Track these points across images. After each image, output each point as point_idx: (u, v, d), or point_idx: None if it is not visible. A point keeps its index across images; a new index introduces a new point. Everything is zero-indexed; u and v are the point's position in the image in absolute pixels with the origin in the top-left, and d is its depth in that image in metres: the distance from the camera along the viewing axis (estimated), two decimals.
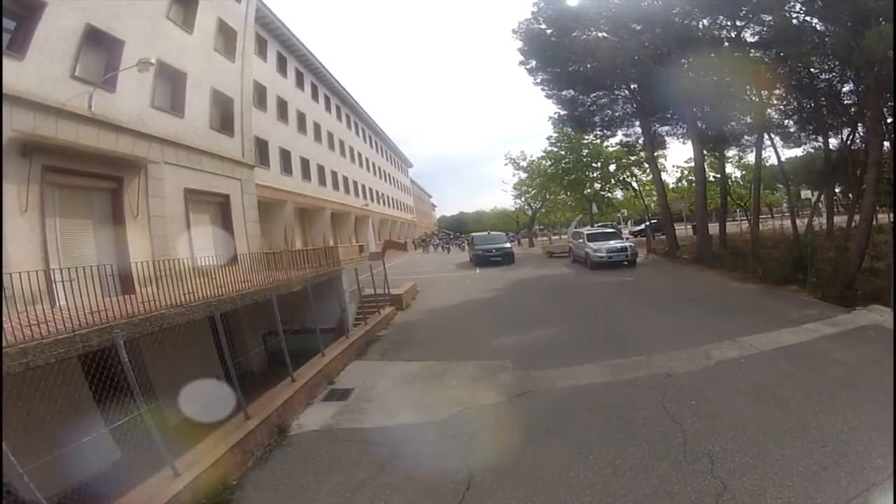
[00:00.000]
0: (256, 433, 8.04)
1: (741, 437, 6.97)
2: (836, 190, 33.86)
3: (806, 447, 6.53)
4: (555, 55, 30.48)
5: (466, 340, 14.59)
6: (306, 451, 8.12)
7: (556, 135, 49.25)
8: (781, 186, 38.89)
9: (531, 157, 58.68)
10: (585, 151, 48.80)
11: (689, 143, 33.63)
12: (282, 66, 35.38)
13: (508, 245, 41.70)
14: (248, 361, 12.62)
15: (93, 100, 13.00)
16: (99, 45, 13.93)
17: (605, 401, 9.00)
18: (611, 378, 10.13)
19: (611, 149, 46.48)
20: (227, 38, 20.80)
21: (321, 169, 40.72)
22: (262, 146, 28.20)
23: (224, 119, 20.04)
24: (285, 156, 33.46)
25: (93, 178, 13.36)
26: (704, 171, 34.43)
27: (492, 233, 48.63)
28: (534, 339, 14.03)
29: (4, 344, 5.86)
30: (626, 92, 33.57)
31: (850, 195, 27.43)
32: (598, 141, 44.90)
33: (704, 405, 8.25)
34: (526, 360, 11.89)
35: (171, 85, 16.96)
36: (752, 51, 24.48)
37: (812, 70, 23.71)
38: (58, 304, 9.01)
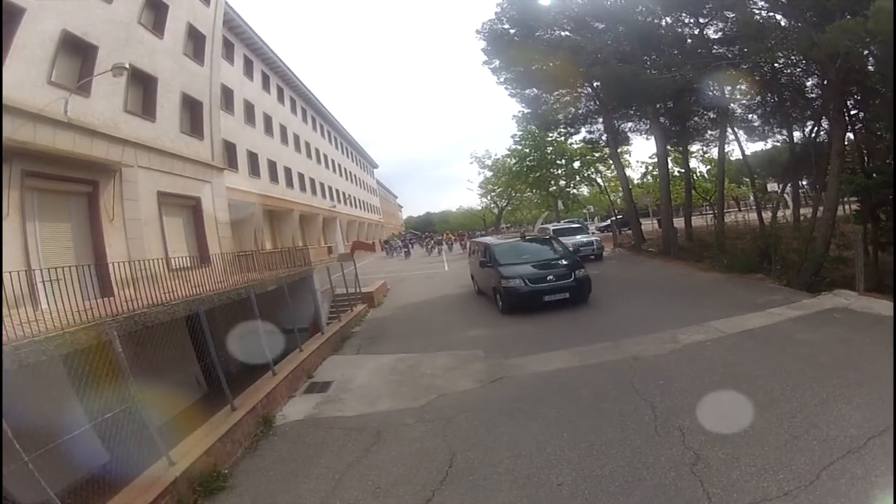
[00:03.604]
0: (243, 424, 8.22)
1: (711, 412, 7.16)
2: (804, 182, 34.45)
3: (776, 419, 6.75)
4: (518, 54, 30.58)
5: (439, 333, 14.94)
6: (293, 439, 8.33)
7: (520, 133, 49.47)
8: (748, 180, 39.31)
9: (496, 155, 59.24)
10: (550, 149, 49.16)
11: (653, 139, 33.97)
12: (248, 70, 35.34)
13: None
14: (226, 362, 12.66)
15: (68, 105, 13.02)
16: (74, 50, 14.02)
17: (576, 383, 9.28)
18: (580, 363, 10.41)
19: (575, 146, 46.77)
20: (196, 42, 20.89)
21: (288, 171, 40.68)
22: (230, 149, 28.18)
23: (194, 122, 20.13)
24: (253, 158, 33.42)
25: (70, 182, 13.45)
26: (668, 165, 34.95)
27: (528, 234, 27.75)
28: (503, 330, 14.38)
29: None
30: (589, 90, 33.70)
31: (816, 186, 27.68)
32: (563, 138, 44.91)
33: (673, 384, 8.52)
34: (498, 350, 12.21)
35: (142, 89, 17.07)
36: (715, 47, 24.74)
37: (776, 65, 24.02)
38: (40, 307, 9.05)
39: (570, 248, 28.99)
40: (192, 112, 20.24)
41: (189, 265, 14.03)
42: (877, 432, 6.00)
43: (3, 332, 6.06)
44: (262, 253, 20.63)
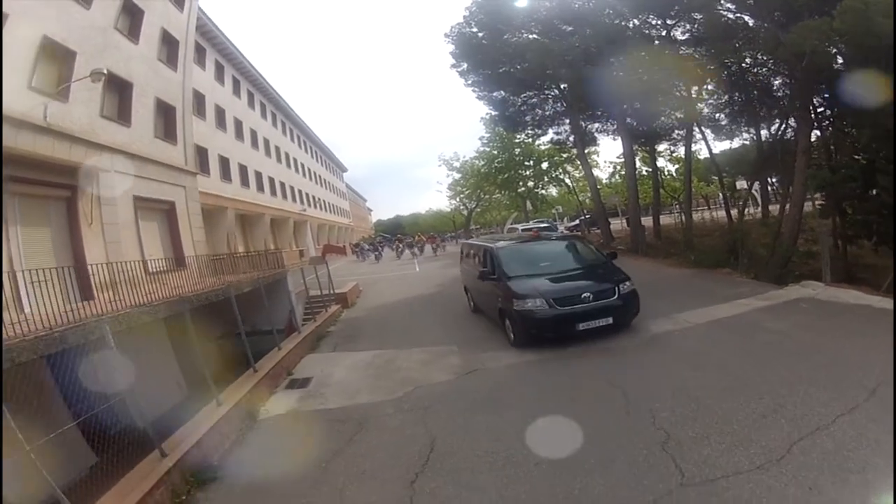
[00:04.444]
0: (229, 418, 8.41)
1: (680, 396, 7.45)
2: (773, 180, 35.00)
3: (744, 400, 6.97)
4: (486, 58, 30.78)
5: (413, 331, 15.08)
6: (278, 431, 8.58)
7: (488, 135, 49.96)
8: (717, 178, 39.95)
9: (464, 157, 59.47)
10: (518, 150, 49.77)
11: (620, 139, 34.15)
12: (220, 74, 35.26)
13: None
14: (206, 362, 12.75)
15: (48, 110, 13.07)
16: (54, 56, 14.06)
17: (549, 374, 9.62)
18: (552, 356, 10.65)
19: (543, 147, 47.06)
20: (169, 47, 20.90)
21: (259, 175, 40.55)
22: (202, 154, 28.07)
23: (167, 127, 20.16)
24: (224, 163, 33.30)
25: (49, 187, 13.53)
26: (635, 165, 35.33)
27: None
28: (475, 327, 14.44)
29: None
30: (557, 91, 33.95)
31: (784, 183, 28.02)
32: (530, 140, 45.28)
33: (642, 371, 8.88)
34: (472, 345, 12.40)
35: (118, 94, 17.11)
36: (682, 48, 24.95)
37: (744, 65, 24.27)
38: (24, 310, 9.10)
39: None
40: (166, 117, 20.24)
41: (165, 268, 14.15)
42: (845, 410, 6.27)
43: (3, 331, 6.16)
44: (237, 256, 20.74)
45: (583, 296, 10.75)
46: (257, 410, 9.46)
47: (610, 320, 10.72)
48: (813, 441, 5.69)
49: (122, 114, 17.14)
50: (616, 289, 11.04)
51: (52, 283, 8.41)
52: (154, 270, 13.08)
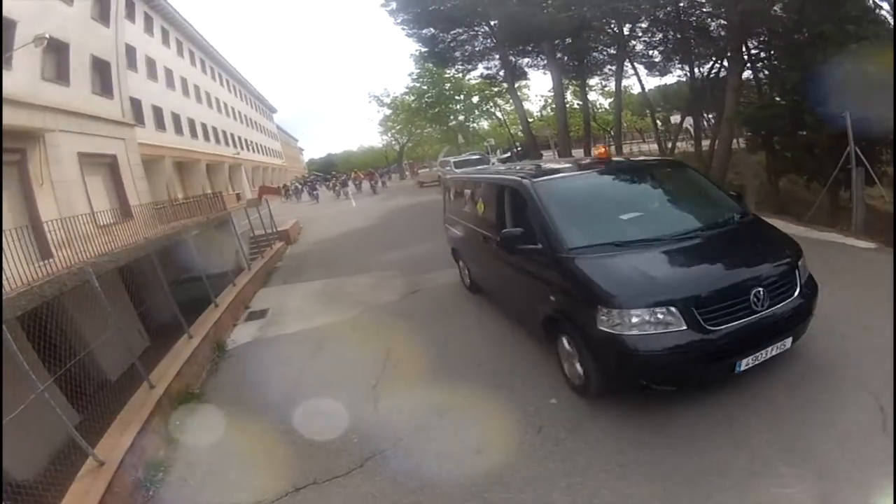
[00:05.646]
0: (202, 349, 8.85)
1: None
2: (710, 116, 35.96)
3: None
4: None
5: (356, 261, 15.51)
6: (247, 357, 9.05)
7: (417, 71, 49.19)
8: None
9: (394, 93, 58.33)
10: (448, 85, 49.54)
11: (550, 74, 34.30)
12: (149, 26, 33.97)
13: None
14: (159, 312, 12.88)
15: None
16: None
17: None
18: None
19: (473, 82, 47.06)
20: (102, 4, 20.24)
21: (192, 122, 39.59)
22: (136, 105, 27.22)
23: (104, 83, 19.77)
24: (158, 112, 32.58)
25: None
26: (564, 98, 35.88)
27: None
28: (415, 252, 14.99)
29: None
30: (487, 28, 33.78)
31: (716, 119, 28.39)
32: (460, 75, 44.99)
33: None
34: (411, 269, 12.96)
35: (56, 56, 16.74)
36: None
37: (681, 5, 24.54)
38: None
39: None
40: (102, 73, 19.82)
41: (114, 220, 14.32)
42: None
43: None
44: (181, 202, 20.79)
45: (752, 294, 4.77)
46: (224, 341, 9.88)
47: (788, 343, 5.00)
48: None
49: (61, 74, 16.83)
50: (796, 273, 5.17)
51: (13, 244, 8.61)
52: (104, 223, 13.24)
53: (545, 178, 6.61)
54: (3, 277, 7.81)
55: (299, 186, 53.63)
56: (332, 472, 5.03)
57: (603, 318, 4.71)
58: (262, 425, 6.23)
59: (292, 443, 5.71)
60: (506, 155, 53.45)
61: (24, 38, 13.87)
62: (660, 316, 4.59)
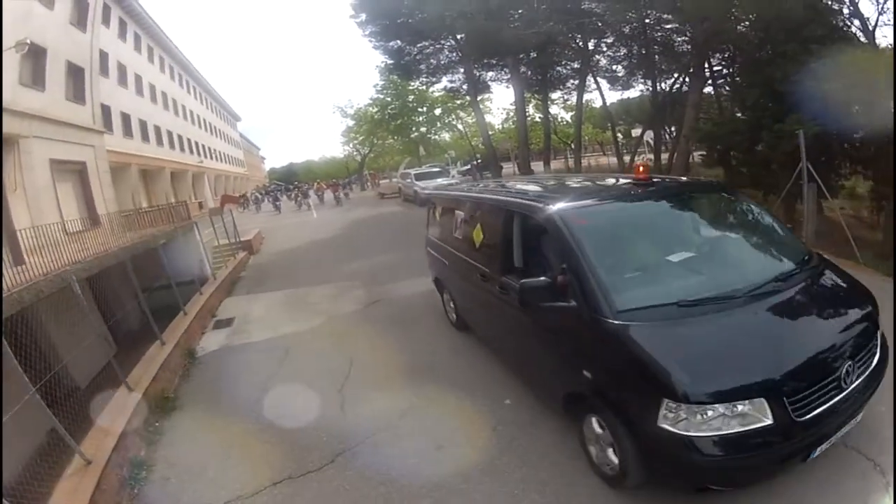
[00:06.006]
0: (174, 356, 9.09)
1: None
2: (671, 129, 36.18)
3: None
4: (385, 8, 30.67)
5: (318, 271, 15.79)
6: (217, 364, 9.33)
7: (382, 82, 49.31)
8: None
9: (358, 105, 58.50)
10: (411, 97, 49.80)
11: (513, 88, 34.83)
12: (123, 31, 33.86)
13: None
14: (128, 319, 12.96)
15: None
16: None
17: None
18: None
19: (437, 94, 47.50)
20: (80, 9, 20.37)
21: (158, 129, 39.39)
22: (105, 111, 27.07)
23: (77, 89, 19.80)
24: (126, 119, 32.51)
25: None
26: (526, 112, 36.44)
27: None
28: (376, 264, 15.32)
29: None
30: (452, 41, 34.19)
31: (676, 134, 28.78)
32: (424, 87, 45.40)
33: None
34: (373, 280, 13.36)
35: (33, 61, 16.80)
36: (585, 2, 25.20)
37: (647, 21, 24.84)
38: None
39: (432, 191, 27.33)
40: (75, 78, 19.84)
41: (82, 228, 14.36)
42: None
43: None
44: (147, 210, 20.80)
45: (839, 369, 3.79)
46: (195, 349, 10.12)
47: (860, 417, 4.05)
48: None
49: (37, 79, 16.91)
50: (878, 334, 4.25)
51: None
52: (72, 231, 13.34)
53: (577, 205, 4.89)
54: None
55: (259, 196, 52.94)
56: (305, 467, 5.46)
57: (668, 413, 3.53)
58: (237, 427, 6.61)
59: (266, 442, 6.12)
60: (466, 167, 53.79)
61: (7, 43, 13.90)
62: (743, 408, 3.49)
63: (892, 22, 15.61)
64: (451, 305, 8.64)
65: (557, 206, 4.78)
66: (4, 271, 8.70)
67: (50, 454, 6.26)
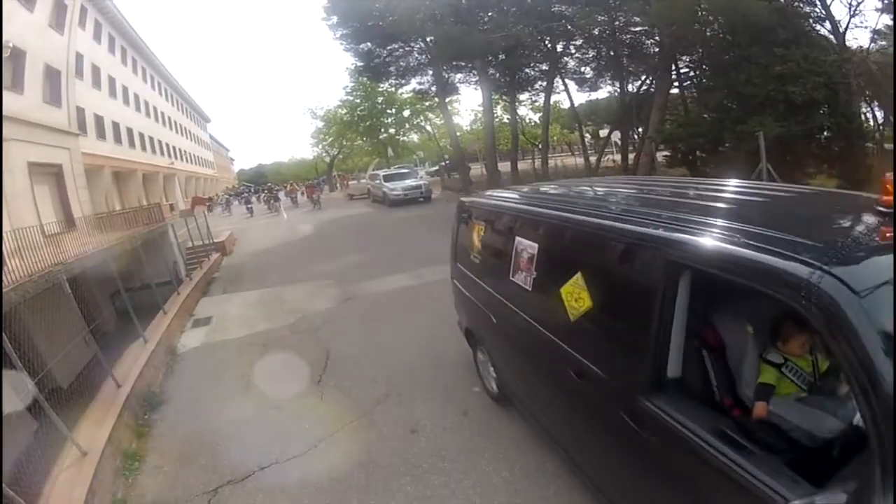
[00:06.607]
0: (157, 353, 9.27)
1: None
2: (638, 129, 37.34)
3: None
4: (356, 11, 30.77)
5: (292, 271, 16.05)
6: (198, 360, 9.59)
7: (352, 84, 49.31)
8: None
9: (328, 106, 58.44)
10: (381, 99, 49.85)
11: (481, 90, 35.02)
12: (98, 33, 33.46)
13: None
14: (105, 321, 13.03)
15: None
16: None
17: (412, 296, 11.20)
18: (415, 282, 12.14)
19: (406, 96, 47.53)
20: (59, 11, 20.21)
21: (130, 131, 38.88)
22: (79, 114, 26.59)
23: (53, 91, 19.61)
24: (99, 121, 32.05)
25: None
26: (493, 114, 36.50)
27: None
28: (348, 263, 15.63)
29: None
30: (422, 44, 34.29)
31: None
32: (393, 89, 45.49)
33: None
34: (345, 278, 13.71)
35: (13, 64, 16.64)
36: (555, 6, 25.45)
37: (616, 24, 24.94)
38: None
39: (401, 192, 27.46)
40: (52, 81, 19.66)
41: (59, 230, 14.42)
42: None
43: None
44: (121, 212, 20.75)
45: None
46: (176, 346, 10.35)
47: None
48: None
49: (16, 82, 16.76)
50: None
51: None
52: (50, 233, 13.41)
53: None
54: None
55: (229, 198, 52.15)
56: (290, 453, 5.78)
57: None
58: (222, 417, 6.92)
59: (251, 431, 6.43)
60: (434, 168, 53.86)
61: None
62: None
63: (865, 24, 16.18)
64: (491, 369, 5.70)
65: (839, 270, 1.96)
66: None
67: (48, 446, 6.45)
